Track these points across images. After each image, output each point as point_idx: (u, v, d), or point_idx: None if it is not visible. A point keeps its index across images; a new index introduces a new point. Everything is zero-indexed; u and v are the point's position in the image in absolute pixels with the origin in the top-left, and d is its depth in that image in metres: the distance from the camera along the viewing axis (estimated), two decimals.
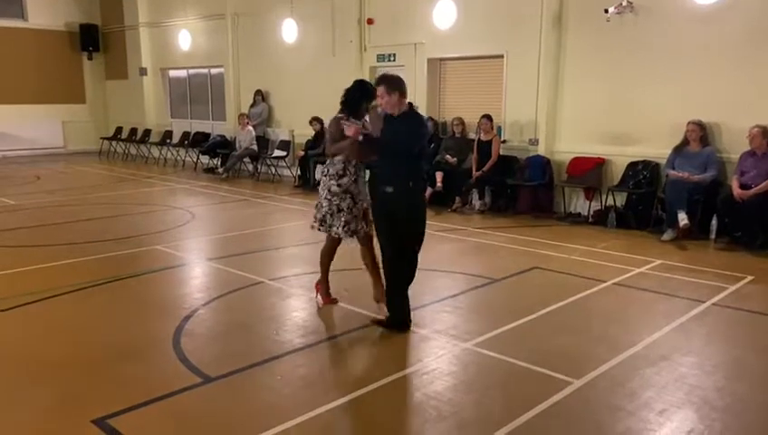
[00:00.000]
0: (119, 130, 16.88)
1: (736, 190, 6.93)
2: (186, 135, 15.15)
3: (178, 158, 15.04)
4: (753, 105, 7.24)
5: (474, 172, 9.09)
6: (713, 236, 7.37)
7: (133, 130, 16.42)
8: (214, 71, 14.75)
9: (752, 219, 6.90)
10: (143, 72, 16.13)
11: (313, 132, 11.40)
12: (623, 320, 4.91)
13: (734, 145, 7.38)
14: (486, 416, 3.43)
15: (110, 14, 16.91)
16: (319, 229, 4.84)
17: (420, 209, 4.55)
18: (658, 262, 6.41)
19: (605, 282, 5.72)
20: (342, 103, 4.73)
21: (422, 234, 4.55)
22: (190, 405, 3.55)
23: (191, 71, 15.53)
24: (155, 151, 15.62)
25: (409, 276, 4.57)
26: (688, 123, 7.48)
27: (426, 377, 3.91)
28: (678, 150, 7.59)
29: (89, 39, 17.14)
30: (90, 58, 17.45)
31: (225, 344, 4.45)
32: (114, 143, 16.78)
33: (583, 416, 3.41)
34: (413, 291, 4.69)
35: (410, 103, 4.52)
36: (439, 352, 4.26)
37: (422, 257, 4.66)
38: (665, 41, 7.91)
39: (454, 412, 3.46)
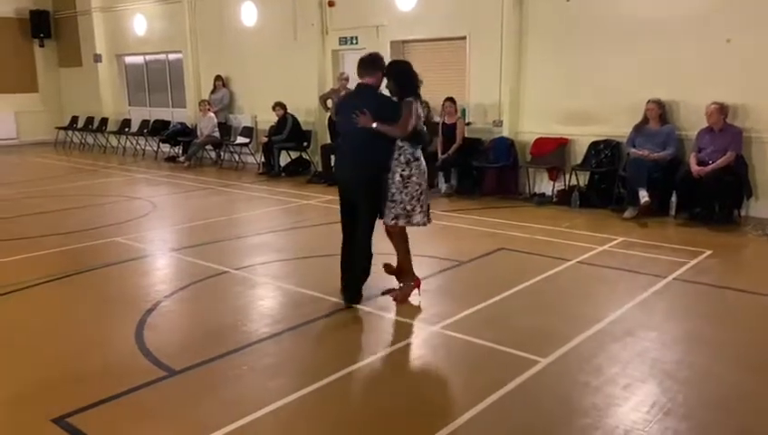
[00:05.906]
0: (74, 119, 16.36)
1: (694, 167, 7.07)
2: (145, 123, 14.75)
3: (138, 147, 14.65)
4: (710, 82, 7.35)
5: (439, 156, 9.08)
6: (672, 212, 7.51)
7: (89, 119, 15.93)
8: (172, 56, 14.36)
9: (709, 195, 7.05)
10: (98, 58, 15.62)
11: (276, 118, 11.23)
12: (588, 297, 4.98)
13: (692, 122, 7.51)
14: (455, 398, 3.44)
15: None
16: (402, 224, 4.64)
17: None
18: (621, 239, 6.52)
19: (569, 261, 5.79)
20: (402, 87, 4.58)
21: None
22: (155, 399, 3.47)
23: (148, 57, 15.09)
24: (113, 141, 15.20)
25: None
26: (648, 102, 7.59)
27: (394, 362, 3.91)
28: (638, 129, 7.70)
29: (40, 25, 16.50)
30: (41, 45, 16.82)
31: (189, 336, 4.37)
32: (70, 133, 16.26)
33: (550, 394, 3.45)
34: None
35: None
36: (408, 337, 4.27)
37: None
38: (624, 20, 7.96)
39: (423, 396, 3.46)
